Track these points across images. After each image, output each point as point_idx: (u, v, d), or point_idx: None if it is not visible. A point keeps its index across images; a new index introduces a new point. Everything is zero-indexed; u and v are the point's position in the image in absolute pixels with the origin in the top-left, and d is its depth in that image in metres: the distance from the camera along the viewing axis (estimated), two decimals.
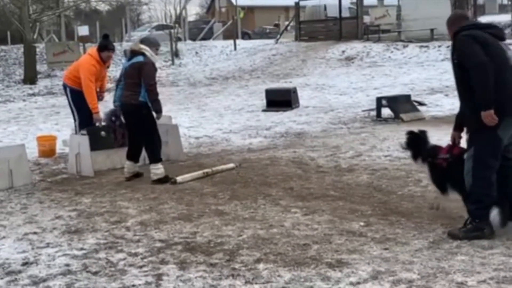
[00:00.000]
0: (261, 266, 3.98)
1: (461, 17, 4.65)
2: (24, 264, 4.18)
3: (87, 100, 7.46)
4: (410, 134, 5.15)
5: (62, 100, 18.10)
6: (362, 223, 4.79)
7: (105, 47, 7.58)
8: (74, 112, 7.78)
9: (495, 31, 4.45)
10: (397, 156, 7.42)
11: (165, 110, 12.81)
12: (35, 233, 4.90)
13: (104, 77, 7.95)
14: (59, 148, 8.55)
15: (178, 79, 21.06)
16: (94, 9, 41.00)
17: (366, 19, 26.54)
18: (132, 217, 5.28)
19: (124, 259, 4.23)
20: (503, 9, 34.39)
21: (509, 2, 31.28)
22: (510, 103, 4.22)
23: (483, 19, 28.42)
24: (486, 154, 4.28)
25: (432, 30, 21.92)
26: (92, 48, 7.92)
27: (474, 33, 4.31)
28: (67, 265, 4.13)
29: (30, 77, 21.56)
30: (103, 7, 39.42)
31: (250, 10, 43.52)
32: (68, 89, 7.78)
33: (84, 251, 4.41)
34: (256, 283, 3.72)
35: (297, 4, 27.82)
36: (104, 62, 7.64)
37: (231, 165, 7.18)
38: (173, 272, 3.95)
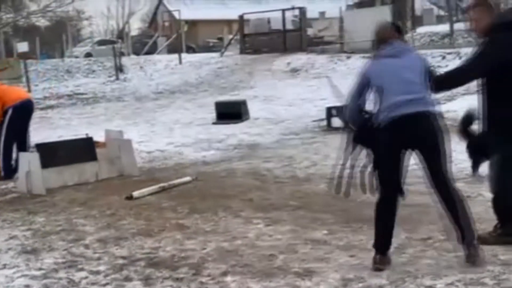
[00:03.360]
0: (228, 278, 3.93)
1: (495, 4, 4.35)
2: None
3: None
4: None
5: None
6: (325, 231, 4.81)
7: None
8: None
9: None
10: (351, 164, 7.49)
11: (113, 126, 12.71)
12: None
13: None
14: None
15: (123, 94, 20.77)
16: (33, 25, 40.09)
17: (310, 31, 26.92)
18: (90, 234, 5.13)
19: (86, 277, 4.11)
20: (440, 20, 35.50)
21: (446, 13, 32.37)
22: None
23: (421, 30, 29.29)
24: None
25: (373, 41, 22.44)
26: None
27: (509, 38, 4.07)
28: (27, 286, 3.98)
29: None
30: (42, 22, 38.61)
31: (193, 23, 43.47)
32: None
33: (43, 271, 4.25)
34: None
35: (241, 17, 27.99)
36: None
37: (188, 178, 7.10)
38: None
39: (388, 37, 4.06)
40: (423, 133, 3.85)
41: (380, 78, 3.94)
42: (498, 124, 4.08)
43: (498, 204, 4.23)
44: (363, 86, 4.03)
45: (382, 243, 3.94)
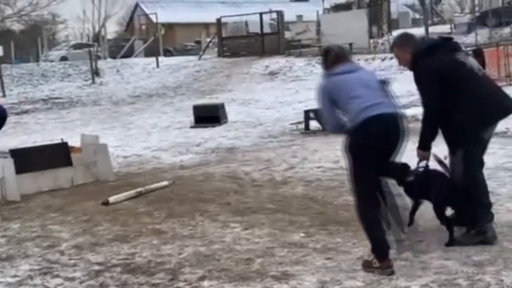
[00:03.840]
0: (205, 283, 3.91)
1: (408, 38, 4.68)
2: None
3: None
4: None
5: None
6: (302, 234, 4.81)
7: None
8: None
9: (449, 48, 4.48)
10: (329, 167, 7.54)
11: (89, 130, 12.61)
12: None
13: None
14: None
15: (99, 98, 20.62)
16: (7, 29, 39.60)
17: (287, 34, 27.01)
18: (65, 240, 5.08)
19: (61, 284, 4.07)
20: (415, 23, 35.87)
21: (421, 17, 32.71)
22: (491, 112, 4.34)
23: (397, 33, 29.54)
24: (476, 158, 4.36)
25: (350, 44, 22.55)
26: None
27: (439, 64, 4.34)
28: None
29: None
30: (17, 26, 38.17)
31: (170, 26, 43.31)
32: None
33: (18, 278, 4.20)
34: None
35: (218, 20, 27.98)
36: None
37: (165, 183, 7.07)
38: None
39: (343, 59, 4.24)
40: (392, 133, 4.00)
41: (344, 91, 4.06)
42: (455, 129, 4.29)
43: (470, 202, 4.34)
44: (331, 102, 4.13)
45: (385, 246, 3.93)
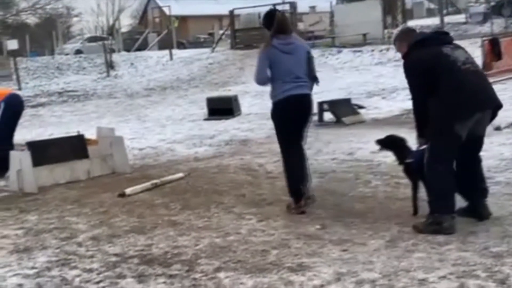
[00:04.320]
0: (222, 274, 3.93)
1: (407, 32, 4.87)
2: None
3: None
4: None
5: None
6: (317, 226, 4.81)
7: None
8: None
9: (438, 41, 4.60)
10: (343, 159, 7.53)
11: (105, 123, 12.67)
12: None
13: None
14: None
15: (114, 91, 20.71)
16: (22, 22, 39.84)
17: (300, 25, 26.92)
18: (82, 232, 5.12)
19: (79, 275, 4.10)
20: (430, 12, 35.59)
21: (436, 6, 32.44)
22: (463, 106, 4.38)
23: (412, 23, 29.33)
24: (443, 149, 4.42)
25: (364, 35, 22.48)
26: None
27: (425, 56, 4.49)
28: (20, 285, 3.96)
29: None
30: (32, 20, 38.39)
31: (183, 19, 43.34)
32: None
33: (36, 270, 4.23)
34: None
35: (231, 12, 27.93)
36: None
37: (180, 174, 7.09)
38: (132, 286, 3.86)
39: (286, 30, 5.30)
40: (305, 108, 5.31)
41: (277, 68, 5.19)
42: (430, 121, 4.49)
43: (429, 191, 4.54)
44: (266, 64, 5.23)
45: (299, 193, 5.21)
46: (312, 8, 34.10)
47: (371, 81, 16.41)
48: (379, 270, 3.77)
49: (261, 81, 5.33)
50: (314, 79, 5.44)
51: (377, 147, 5.28)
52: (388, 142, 5.12)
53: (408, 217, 4.80)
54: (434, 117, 4.45)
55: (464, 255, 3.92)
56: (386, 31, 24.20)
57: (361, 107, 12.19)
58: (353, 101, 12.20)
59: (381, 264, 3.86)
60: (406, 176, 5.00)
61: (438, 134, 4.43)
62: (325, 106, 11.12)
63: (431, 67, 4.44)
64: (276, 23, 5.24)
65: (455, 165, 4.52)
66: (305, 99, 5.28)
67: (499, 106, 4.56)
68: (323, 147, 8.45)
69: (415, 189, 4.82)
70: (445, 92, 4.39)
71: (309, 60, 5.36)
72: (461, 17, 28.00)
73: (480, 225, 4.50)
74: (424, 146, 4.59)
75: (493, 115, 4.60)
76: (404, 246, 4.19)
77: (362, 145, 8.32)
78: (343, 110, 11.11)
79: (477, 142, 4.60)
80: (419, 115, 4.58)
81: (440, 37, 4.71)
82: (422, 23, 27.86)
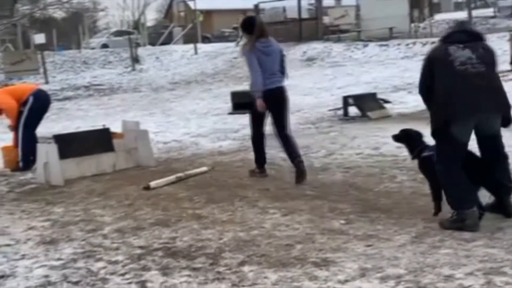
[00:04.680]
0: (246, 268, 3.92)
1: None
2: (1, 277, 4.03)
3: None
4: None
5: None
6: (342, 221, 4.78)
7: None
8: None
9: (453, 39, 4.56)
10: (368, 153, 7.47)
11: (130, 116, 12.75)
12: (8, 245, 4.74)
13: None
14: None
15: (140, 85, 20.85)
16: (49, 16, 40.28)
17: (326, 19, 26.78)
18: (108, 224, 5.16)
19: (105, 267, 4.13)
20: (458, 6, 35.13)
21: (464, 0, 32.00)
22: (457, 105, 4.36)
23: (439, 17, 28.98)
24: (442, 150, 4.47)
25: (391, 28, 22.28)
26: None
27: (433, 51, 4.63)
28: (46, 276, 4.01)
29: None
30: (59, 14, 38.79)
31: (208, 13, 43.42)
32: None
33: (62, 261, 4.28)
34: (243, 286, 3.66)
35: (256, 6, 27.90)
36: None
37: (204, 168, 7.11)
38: (157, 278, 3.87)
39: (265, 34, 6.38)
40: (279, 99, 6.40)
41: (265, 63, 6.27)
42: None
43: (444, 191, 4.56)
44: (256, 62, 6.27)
45: (261, 161, 6.71)
46: (338, 1, 33.89)
47: (397, 75, 16.27)
48: (405, 266, 3.73)
49: (260, 76, 6.29)
50: (285, 74, 6.56)
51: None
52: (402, 136, 5.07)
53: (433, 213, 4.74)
54: (431, 117, 4.55)
55: (491, 251, 3.86)
56: (412, 25, 23.94)
57: (386, 101, 12.08)
58: (379, 96, 12.11)
59: (407, 260, 3.82)
60: (422, 172, 4.91)
61: (435, 134, 4.49)
62: (350, 101, 11.06)
63: (431, 65, 4.51)
64: (257, 29, 6.33)
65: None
66: (281, 90, 6.43)
67: (504, 109, 4.46)
68: (348, 142, 8.40)
69: (433, 185, 4.70)
70: (437, 92, 4.45)
71: (282, 59, 6.52)
72: (489, 11, 27.60)
73: (508, 222, 4.43)
74: None
75: (507, 118, 4.49)
76: (430, 242, 4.14)
77: (388, 139, 8.20)
78: (369, 105, 11.03)
79: (491, 141, 4.54)
80: (426, 106, 4.72)
81: (455, 34, 4.61)
82: (450, 17, 27.52)
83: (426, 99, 4.65)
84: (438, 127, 4.45)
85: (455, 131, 4.36)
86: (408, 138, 5.00)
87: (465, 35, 4.57)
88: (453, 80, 4.38)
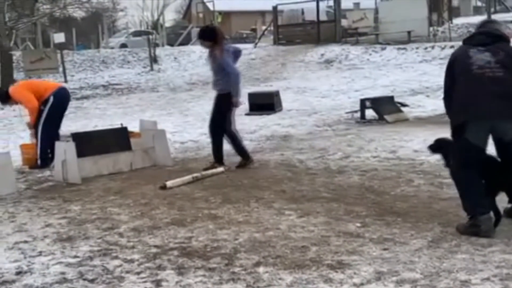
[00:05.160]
0: (261, 269, 3.92)
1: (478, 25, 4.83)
2: (18, 273, 4.07)
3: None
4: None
5: None
6: (358, 224, 4.76)
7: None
8: None
9: (475, 41, 4.53)
10: (385, 157, 7.44)
11: (147, 116, 12.81)
12: (26, 241, 4.79)
13: None
14: None
15: (157, 85, 20.93)
16: (69, 16, 40.60)
17: (344, 22, 26.70)
18: (124, 223, 5.19)
19: (120, 265, 4.15)
20: (477, 10, 34.85)
21: (483, 4, 31.75)
22: (471, 109, 4.34)
23: (458, 21, 28.77)
24: (458, 155, 4.45)
25: (409, 32, 22.14)
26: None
27: (455, 54, 4.63)
28: (63, 273, 4.04)
29: (7, 85, 21.19)
30: (79, 14, 39.09)
31: (226, 15, 43.51)
32: None
33: (78, 259, 4.31)
34: (258, 287, 3.66)
35: (274, 8, 27.89)
36: None
37: (220, 169, 7.13)
38: (172, 277, 3.88)
39: (224, 38, 7.32)
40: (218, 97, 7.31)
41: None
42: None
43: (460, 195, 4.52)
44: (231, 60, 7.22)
45: (220, 155, 7.31)
46: (356, 4, 33.78)
47: (415, 79, 16.18)
48: (421, 270, 3.71)
49: (239, 76, 7.23)
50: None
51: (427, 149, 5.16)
52: (438, 146, 4.93)
53: (452, 218, 4.71)
54: (449, 119, 4.56)
55: (508, 257, 3.82)
56: (431, 28, 23.79)
57: (404, 105, 12.03)
58: (396, 99, 12.05)
59: (423, 264, 3.80)
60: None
61: (453, 138, 4.49)
62: (368, 103, 11.02)
63: (451, 68, 4.52)
64: (220, 35, 7.13)
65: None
66: None
67: None
68: (365, 145, 8.37)
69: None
70: (455, 95, 4.43)
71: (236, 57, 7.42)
72: (509, 16, 27.28)
73: None
74: None
75: None
76: (447, 246, 4.11)
77: (405, 143, 8.22)
78: (386, 108, 10.98)
79: (508, 146, 4.45)
80: (447, 109, 4.67)
81: (476, 37, 4.58)
82: (469, 21, 27.32)
83: (448, 106, 4.61)
84: (454, 130, 4.45)
85: (469, 135, 4.33)
86: (444, 147, 4.84)
87: (486, 36, 4.51)
88: (469, 84, 4.36)
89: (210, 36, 7.07)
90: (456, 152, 4.48)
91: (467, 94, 4.36)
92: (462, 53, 4.50)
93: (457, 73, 4.45)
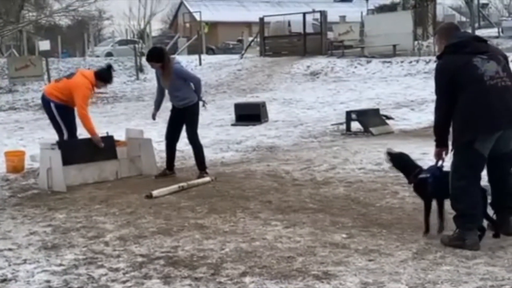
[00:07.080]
0: (247, 279, 3.93)
1: (449, 30, 4.69)
2: (3, 281, 4.04)
3: (86, 127, 7.61)
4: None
5: (25, 116, 17.78)
6: (344, 235, 4.79)
7: (107, 80, 8.03)
8: (62, 127, 7.63)
9: (472, 49, 4.43)
10: (370, 168, 7.48)
11: (133, 125, 12.77)
12: (10, 249, 4.75)
13: None
14: (28, 163, 8.35)
15: (143, 94, 20.91)
16: (55, 24, 40.45)
17: (330, 35, 26.87)
18: (109, 232, 5.17)
19: (106, 274, 4.13)
20: (462, 25, 35.25)
21: (467, 19, 32.15)
22: (485, 120, 4.29)
23: None
24: (462, 165, 4.37)
25: (394, 46, 22.33)
26: (86, 71, 7.94)
27: (453, 63, 4.40)
28: (47, 281, 4.01)
29: None
30: (64, 22, 38.97)
31: (213, 25, 43.61)
32: (52, 104, 7.59)
33: (63, 267, 4.29)
34: None
35: (261, 19, 28.03)
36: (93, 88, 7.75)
37: (207, 179, 7.12)
38: (158, 286, 3.88)
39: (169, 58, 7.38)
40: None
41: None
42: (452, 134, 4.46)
43: (452, 207, 4.50)
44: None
45: (170, 161, 7.69)
46: (343, 17, 34.03)
47: (400, 92, 16.31)
48: (406, 282, 3.74)
49: (200, 78, 7.79)
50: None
51: (387, 160, 5.06)
52: (397, 159, 4.93)
53: (436, 230, 4.75)
54: (455, 131, 4.41)
55: (492, 269, 3.87)
56: (416, 42, 24.02)
57: (389, 117, 12.11)
58: (381, 112, 12.14)
59: (408, 276, 3.83)
60: (418, 195, 4.87)
61: (458, 149, 4.39)
62: (353, 116, 11.09)
63: (457, 78, 4.32)
64: (167, 56, 7.34)
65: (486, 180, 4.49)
66: None
67: None
68: (351, 157, 8.42)
69: (428, 208, 4.67)
70: (466, 106, 4.32)
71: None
72: (493, 31, 27.66)
73: (509, 240, 4.44)
74: (441, 162, 4.56)
75: None
76: (432, 258, 4.15)
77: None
78: (371, 120, 11.06)
79: (504, 159, 4.51)
80: (439, 122, 4.51)
81: (476, 44, 4.49)
82: None
83: (446, 116, 4.43)
84: (462, 141, 4.34)
85: (480, 146, 4.30)
86: (402, 163, 4.89)
87: (485, 45, 4.50)
88: (483, 94, 4.27)
89: (159, 57, 7.22)
90: (462, 163, 4.36)
91: (480, 104, 4.27)
92: (465, 62, 4.34)
93: (464, 83, 4.31)
